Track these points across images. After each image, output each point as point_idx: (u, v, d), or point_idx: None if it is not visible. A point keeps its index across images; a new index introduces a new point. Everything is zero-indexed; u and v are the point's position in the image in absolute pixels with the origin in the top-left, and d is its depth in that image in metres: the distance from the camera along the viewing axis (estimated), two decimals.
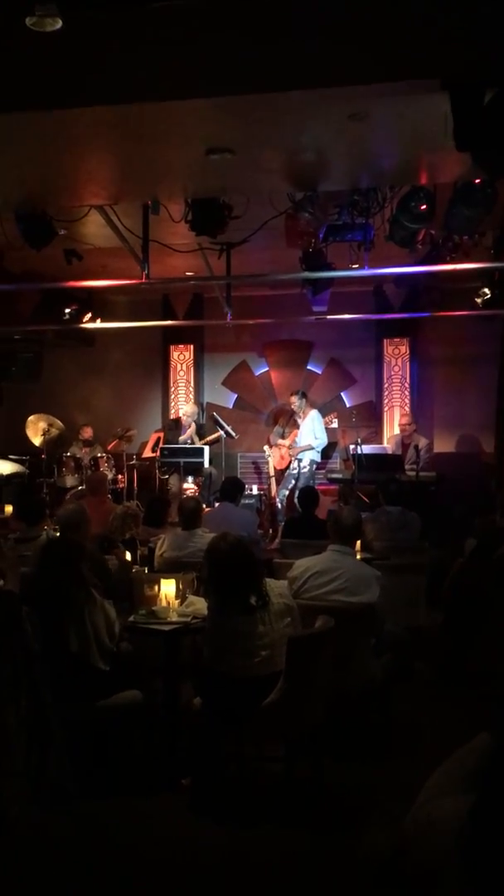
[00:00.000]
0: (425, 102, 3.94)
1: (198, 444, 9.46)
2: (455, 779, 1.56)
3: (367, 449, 8.77)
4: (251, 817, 3.34)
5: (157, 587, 4.07)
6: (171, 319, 10.18)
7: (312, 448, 9.17)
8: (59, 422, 9.79)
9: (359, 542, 4.79)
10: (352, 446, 8.68)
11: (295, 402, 9.33)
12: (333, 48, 3.57)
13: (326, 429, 9.45)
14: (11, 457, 9.40)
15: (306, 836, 3.23)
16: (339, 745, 3.80)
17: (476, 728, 1.68)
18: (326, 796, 3.54)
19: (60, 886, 2.92)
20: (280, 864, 3.04)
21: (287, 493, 9.03)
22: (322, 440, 9.24)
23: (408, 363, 10.04)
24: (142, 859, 3.09)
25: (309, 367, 10.39)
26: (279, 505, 9.07)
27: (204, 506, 6.28)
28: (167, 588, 4.05)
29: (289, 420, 9.63)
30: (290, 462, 9.19)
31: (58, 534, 4.78)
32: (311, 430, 9.21)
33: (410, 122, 4.32)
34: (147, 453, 9.87)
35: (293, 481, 8.98)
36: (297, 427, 9.42)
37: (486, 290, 8.00)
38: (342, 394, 10.31)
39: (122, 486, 9.46)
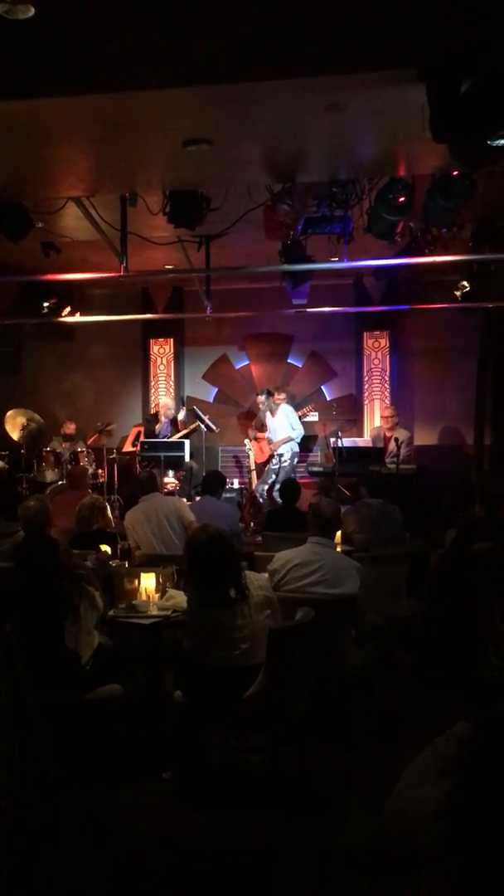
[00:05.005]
0: (402, 94, 3.93)
1: (175, 438, 9.42)
2: (433, 766, 1.57)
3: (346, 442, 8.79)
4: (234, 807, 3.35)
5: (136, 581, 4.06)
6: (151, 313, 10.13)
7: (292, 439, 9.17)
8: (38, 416, 9.69)
9: (339, 534, 4.80)
10: (332, 439, 8.69)
11: (262, 400, 9.30)
12: (310, 37, 3.55)
13: (304, 421, 9.46)
14: None
15: (290, 824, 3.24)
16: (321, 733, 3.81)
17: (455, 716, 1.68)
18: (309, 785, 3.55)
19: (43, 875, 2.91)
20: (263, 853, 3.05)
21: (266, 488, 9.01)
22: (299, 430, 9.25)
23: (388, 356, 10.07)
24: (125, 849, 3.08)
25: (289, 361, 10.39)
26: (260, 500, 9.06)
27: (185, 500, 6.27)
28: (147, 582, 4.04)
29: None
30: (272, 456, 9.17)
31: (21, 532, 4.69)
32: (288, 424, 9.21)
33: (388, 114, 4.32)
34: (127, 447, 9.83)
35: (273, 476, 8.97)
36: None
37: (465, 283, 8.03)
38: (322, 387, 10.33)
39: (102, 480, 9.41)
